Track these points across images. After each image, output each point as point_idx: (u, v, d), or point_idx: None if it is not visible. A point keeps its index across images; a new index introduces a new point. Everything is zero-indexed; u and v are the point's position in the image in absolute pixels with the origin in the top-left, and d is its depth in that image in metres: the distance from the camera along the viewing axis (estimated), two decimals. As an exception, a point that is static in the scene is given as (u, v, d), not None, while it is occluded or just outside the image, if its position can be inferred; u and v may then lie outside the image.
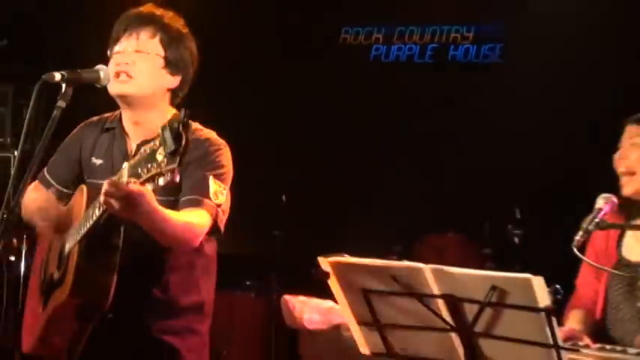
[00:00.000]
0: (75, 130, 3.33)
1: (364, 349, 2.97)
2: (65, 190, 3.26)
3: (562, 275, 3.49)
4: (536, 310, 2.63)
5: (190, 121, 3.14)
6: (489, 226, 5.15)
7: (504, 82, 5.61)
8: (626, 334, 3.33)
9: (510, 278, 2.65)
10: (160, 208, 2.80)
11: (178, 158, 2.47)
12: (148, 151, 2.55)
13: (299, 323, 3.29)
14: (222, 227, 3.03)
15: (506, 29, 5.76)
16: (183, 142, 2.48)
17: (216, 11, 5.76)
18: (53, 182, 3.26)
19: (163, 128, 2.47)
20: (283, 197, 5.48)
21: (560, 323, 3.29)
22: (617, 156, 3.37)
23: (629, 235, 3.39)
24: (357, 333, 2.96)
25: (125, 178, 2.63)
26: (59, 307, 3.05)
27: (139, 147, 3.12)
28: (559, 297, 2.99)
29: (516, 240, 4.88)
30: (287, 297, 3.32)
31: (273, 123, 5.82)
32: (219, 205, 2.95)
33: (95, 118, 3.28)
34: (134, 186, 2.63)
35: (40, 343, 3.14)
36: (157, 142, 2.51)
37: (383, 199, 5.55)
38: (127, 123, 3.22)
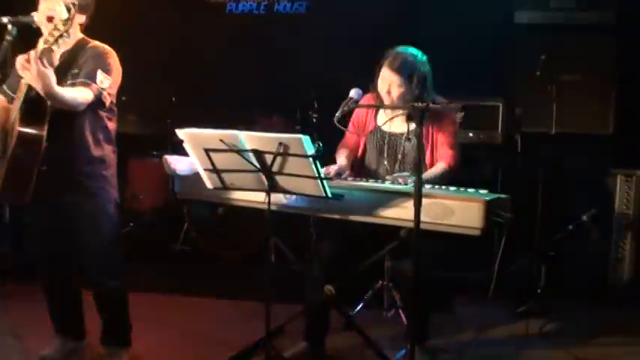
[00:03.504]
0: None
1: (209, 185, 2.84)
2: (12, 94, 2.89)
3: (331, 137, 3.41)
4: (306, 156, 2.52)
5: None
6: (299, 112, 4.97)
7: (307, 25, 5.39)
8: (379, 172, 3.26)
9: (290, 137, 2.52)
10: (57, 86, 2.57)
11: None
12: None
13: (173, 171, 3.10)
14: (106, 103, 2.82)
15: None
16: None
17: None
18: (6, 89, 2.91)
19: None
20: (173, 99, 5.17)
21: (333, 162, 3.21)
22: (380, 84, 3.13)
23: (381, 112, 3.28)
24: (204, 175, 2.82)
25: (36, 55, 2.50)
26: (14, 155, 2.65)
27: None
28: (320, 148, 2.87)
29: (314, 120, 4.78)
30: (166, 156, 3.09)
31: (176, 53, 5.42)
32: (103, 89, 2.76)
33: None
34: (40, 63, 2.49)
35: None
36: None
37: (234, 96, 5.24)
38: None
